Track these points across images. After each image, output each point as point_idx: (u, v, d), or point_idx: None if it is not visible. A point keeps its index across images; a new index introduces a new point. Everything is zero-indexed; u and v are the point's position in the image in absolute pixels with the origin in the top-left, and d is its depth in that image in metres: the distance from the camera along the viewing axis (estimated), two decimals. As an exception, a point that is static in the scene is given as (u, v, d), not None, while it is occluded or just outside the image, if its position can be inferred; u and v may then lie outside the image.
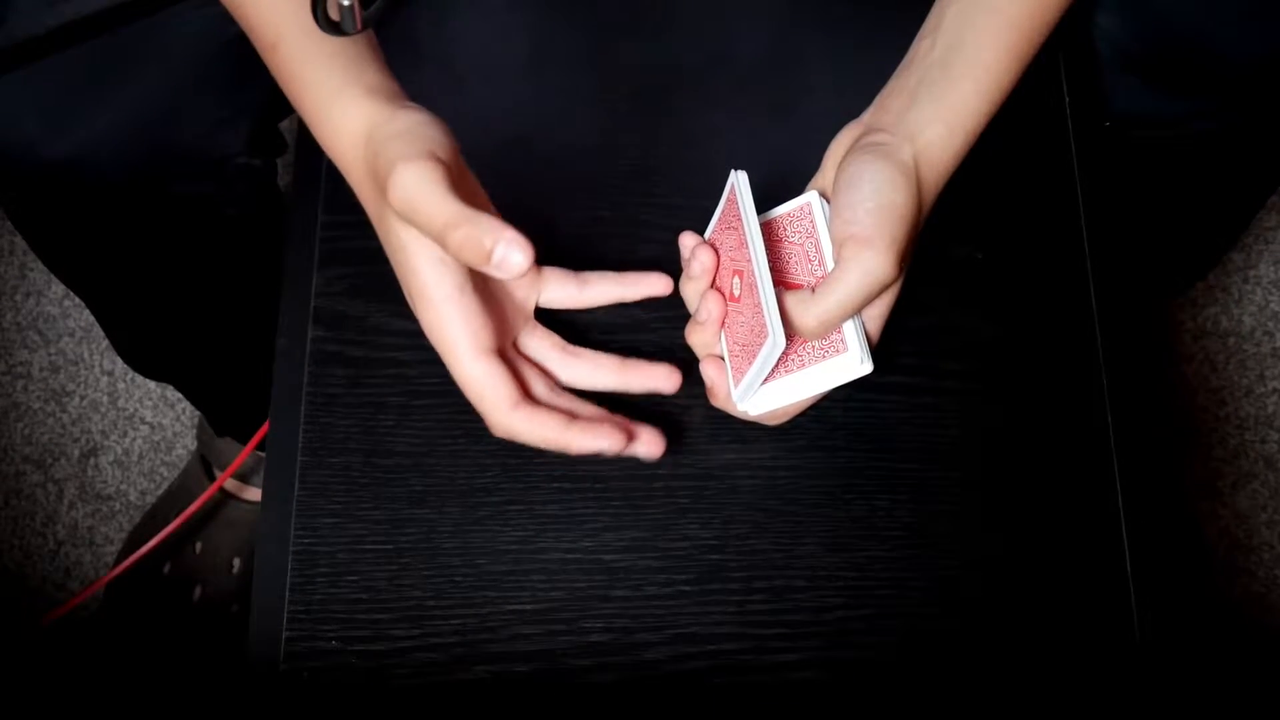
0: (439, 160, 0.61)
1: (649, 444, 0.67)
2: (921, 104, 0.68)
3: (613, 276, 0.73)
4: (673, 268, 0.73)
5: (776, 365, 0.67)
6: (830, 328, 0.66)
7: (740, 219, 0.68)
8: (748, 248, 0.67)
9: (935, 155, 0.67)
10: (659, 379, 0.71)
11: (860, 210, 0.65)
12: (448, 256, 0.63)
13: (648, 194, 0.79)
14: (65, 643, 1.23)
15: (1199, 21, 0.81)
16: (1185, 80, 0.85)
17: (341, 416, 0.75)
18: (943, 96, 0.68)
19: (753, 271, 0.66)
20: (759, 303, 0.65)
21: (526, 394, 0.66)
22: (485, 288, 0.67)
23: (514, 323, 0.70)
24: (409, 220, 0.61)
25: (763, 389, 0.69)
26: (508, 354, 0.68)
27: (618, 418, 0.67)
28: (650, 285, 0.73)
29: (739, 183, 0.69)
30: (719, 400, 0.70)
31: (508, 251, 0.58)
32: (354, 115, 0.64)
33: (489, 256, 0.58)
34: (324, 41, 0.65)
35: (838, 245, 0.66)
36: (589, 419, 0.66)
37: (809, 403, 0.71)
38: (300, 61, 0.66)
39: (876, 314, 0.68)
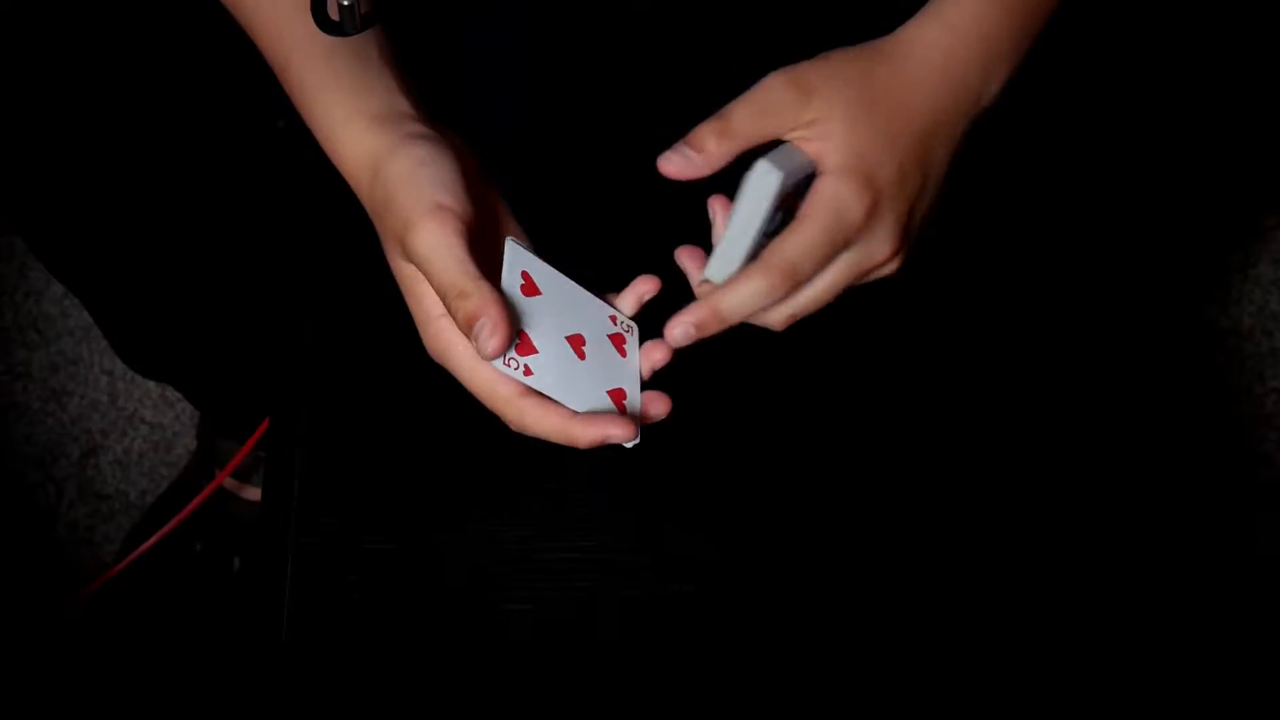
0: (447, 210, 0.60)
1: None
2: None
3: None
4: (667, 273, 0.72)
5: None
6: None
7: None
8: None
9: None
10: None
11: None
12: None
13: (645, 194, 0.79)
14: (61, 642, 1.23)
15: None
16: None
17: (342, 416, 0.75)
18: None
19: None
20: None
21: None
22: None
23: None
24: (424, 273, 0.61)
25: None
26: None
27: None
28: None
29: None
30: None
31: (479, 331, 0.58)
32: (359, 145, 0.64)
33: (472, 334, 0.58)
34: (330, 64, 0.65)
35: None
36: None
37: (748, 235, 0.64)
38: (307, 87, 0.66)
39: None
